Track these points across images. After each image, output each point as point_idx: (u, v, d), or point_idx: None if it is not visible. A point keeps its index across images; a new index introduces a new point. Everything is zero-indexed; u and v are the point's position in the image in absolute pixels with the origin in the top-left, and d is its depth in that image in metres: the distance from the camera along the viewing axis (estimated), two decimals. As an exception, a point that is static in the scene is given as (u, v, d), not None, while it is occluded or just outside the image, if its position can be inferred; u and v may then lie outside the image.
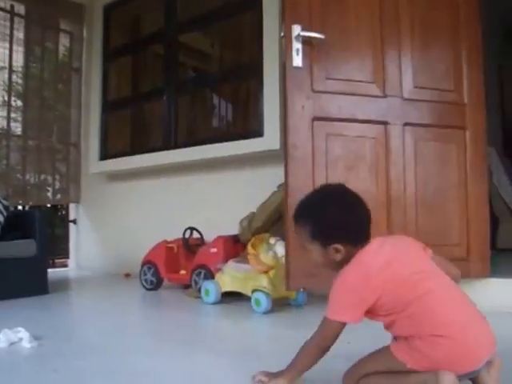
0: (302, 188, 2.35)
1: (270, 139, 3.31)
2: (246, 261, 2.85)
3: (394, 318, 1.25)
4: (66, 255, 5.30)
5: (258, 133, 3.43)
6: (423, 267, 1.32)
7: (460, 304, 1.25)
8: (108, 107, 4.76)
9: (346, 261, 1.33)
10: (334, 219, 1.35)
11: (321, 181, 2.38)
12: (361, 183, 2.45)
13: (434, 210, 2.58)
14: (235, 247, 3.17)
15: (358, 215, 1.38)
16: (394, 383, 1.24)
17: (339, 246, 1.33)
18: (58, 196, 5.08)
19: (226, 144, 3.62)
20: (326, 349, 1.32)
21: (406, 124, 2.58)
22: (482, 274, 2.66)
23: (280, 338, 2.20)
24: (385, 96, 2.56)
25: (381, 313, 1.27)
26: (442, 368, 1.16)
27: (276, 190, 2.98)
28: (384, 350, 1.29)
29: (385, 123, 2.54)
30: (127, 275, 4.29)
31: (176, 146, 4.05)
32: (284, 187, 2.37)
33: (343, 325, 1.29)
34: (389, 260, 1.29)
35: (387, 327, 1.31)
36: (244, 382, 1.50)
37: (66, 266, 5.27)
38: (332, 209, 1.36)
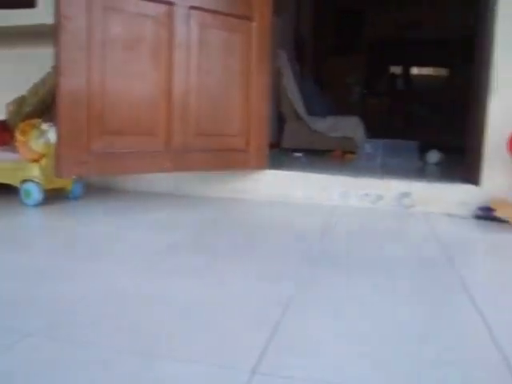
0: (75, 67, 2.23)
1: (44, 11, 3.01)
2: (14, 149, 2.67)
3: None
4: None
5: (28, 2, 3.10)
6: None
7: None
8: None
9: None
10: None
11: (98, 59, 2.28)
12: (141, 66, 2.41)
13: (215, 99, 2.67)
14: (3, 135, 2.92)
15: None
16: None
17: None
18: None
19: (-11, 14, 3.21)
20: None
21: (192, 7, 2.56)
22: (259, 166, 2.88)
23: (51, 230, 2.15)
24: (171, -27, 2.49)
25: None
26: None
27: (50, 70, 2.77)
28: None
29: (169, 3, 2.49)
30: None
31: None
32: (56, 64, 2.21)
33: None
34: None
35: None
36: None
37: None
38: None
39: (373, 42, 8.49)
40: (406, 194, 2.78)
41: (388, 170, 3.43)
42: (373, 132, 5.14)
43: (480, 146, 2.77)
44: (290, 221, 2.46)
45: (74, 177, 2.42)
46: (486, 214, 2.59)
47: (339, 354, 1.03)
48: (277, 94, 5.07)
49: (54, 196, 2.69)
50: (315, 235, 2.09)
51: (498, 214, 2.39)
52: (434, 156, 4.46)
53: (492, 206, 2.56)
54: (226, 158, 2.73)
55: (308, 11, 7.34)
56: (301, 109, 4.98)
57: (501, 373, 0.97)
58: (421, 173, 3.61)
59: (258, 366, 0.96)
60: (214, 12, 2.65)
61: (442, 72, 8.73)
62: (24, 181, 2.58)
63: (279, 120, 5.21)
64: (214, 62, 2.66)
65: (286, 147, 4.95)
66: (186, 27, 2.55)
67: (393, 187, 2.81)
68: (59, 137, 2.23)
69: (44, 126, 2.58)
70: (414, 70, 9.02)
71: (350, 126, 4.85)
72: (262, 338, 1.07)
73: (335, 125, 4.89)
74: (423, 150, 4.36)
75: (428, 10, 7.93)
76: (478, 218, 2.65)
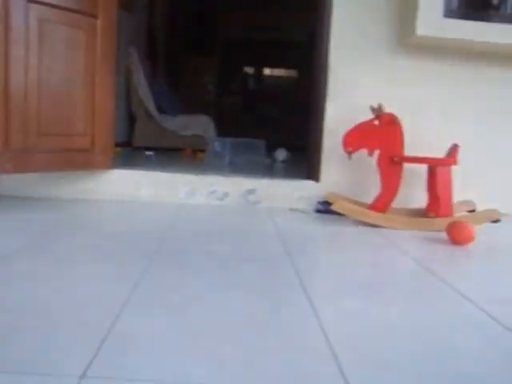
0: None
1: None
2: None
3: None
4: None
5: None
6: None
7: None
8: None
9: None
10: None
11: None
12: (-26, 61, 2.28)
13: (58, 98, 2.61)
14: None
15: None
16: None
17: None
18: None
19: None
20: None
21: (30, 1, 2.47)
22: (104, 166, 2.88)
23: None
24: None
25: None
26: None
27: None
28: None
29: (5, -5, 2.39)
30: None
31: None
32: None
33: None
34: None
35: None
36: None
37: None
38: None
39: (227, 42, 8.72)
40: (251, 191, 2.95)
41: (236, 168, 3.59)
42: (225, 131, 5.30)
43: (319, 145, 3.02)
44: (136, 221, 2.49)
45: None
46: (325, 208, 2.84)
47: (173, 352, 1.06)
48: (128, 93, 5.04)
49: None
50: (160, 234, 2.14)
51: (334, 207, 2.64)
52: (281, 154, 4.73)
53: (329, 200, 2.81)
54: (71, 158, 2.68)
55: (162, 9, 7.34)
56: (151, 107, 4.98)
57: (327, 360, 1.08)
58: (267, 170, 3.82)
59: (87, 370, 0.95)
60: (56, 7, 2.58)
61: (293, 74, 9.21)
62: None
63: (131, 119, 5.18)
64: (57, 60, 2.59)
65: (137, 146, 4.93)
66: (24, 21, 2.45)
67: (239, 184, 2.96)
68: None
69: None
70: (267, 71, 9.41)
71: (201, 125, 4.97)
72: (95, 342, 1.07)
73: (186, 123, 4.98)
74: (271, 149, 4.61)
75: (281, 12, 8.32)
76: (318, 211, 2.89)
